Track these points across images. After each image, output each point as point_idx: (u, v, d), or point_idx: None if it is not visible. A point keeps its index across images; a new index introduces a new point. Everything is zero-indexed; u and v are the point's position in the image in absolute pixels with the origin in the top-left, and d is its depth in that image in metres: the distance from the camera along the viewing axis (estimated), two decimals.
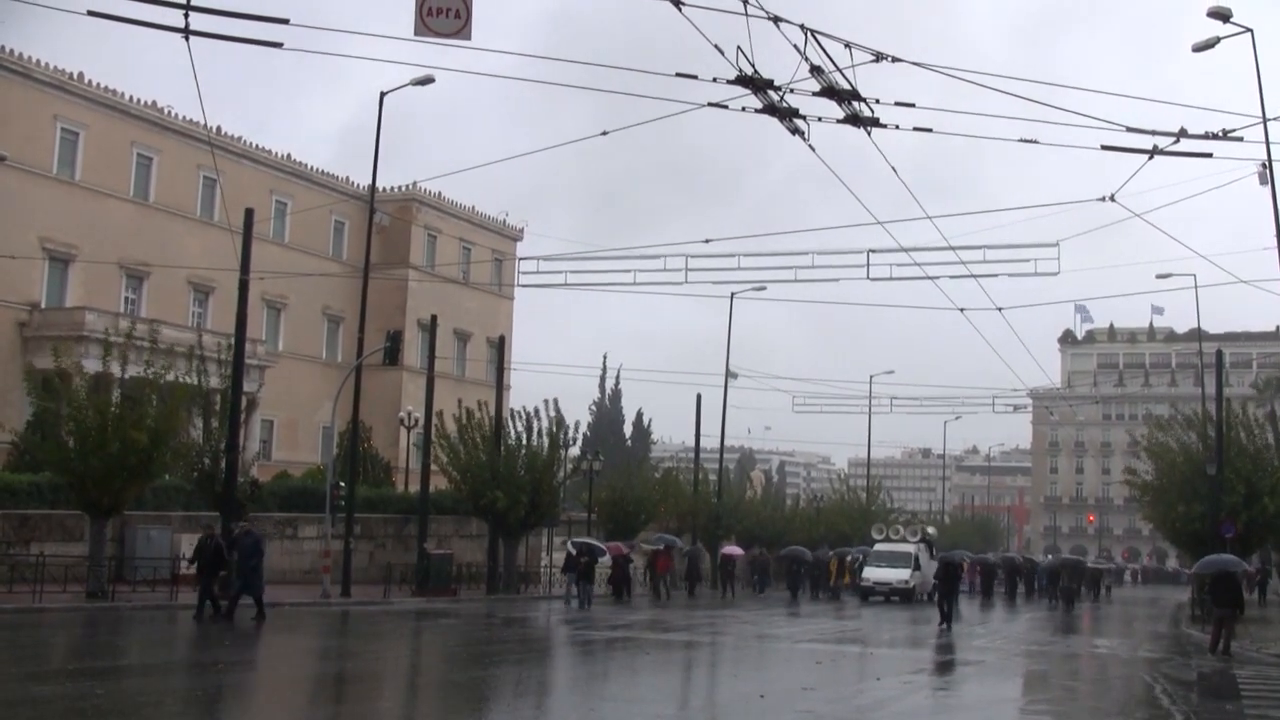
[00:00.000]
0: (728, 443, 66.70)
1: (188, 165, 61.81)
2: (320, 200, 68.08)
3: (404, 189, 73.75)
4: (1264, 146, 27.27)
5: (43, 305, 55.68)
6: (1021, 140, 20.18)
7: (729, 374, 60.98)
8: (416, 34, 15.56)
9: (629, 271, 34.81)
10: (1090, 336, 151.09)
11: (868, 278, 32.28)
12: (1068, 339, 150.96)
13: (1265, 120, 25.96)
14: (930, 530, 65.56)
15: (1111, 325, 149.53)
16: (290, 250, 67.09)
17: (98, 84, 58.23)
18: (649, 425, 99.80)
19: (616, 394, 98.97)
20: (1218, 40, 30.27)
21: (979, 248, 31.17)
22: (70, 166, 57.31)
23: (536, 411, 45.96)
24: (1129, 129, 18.92)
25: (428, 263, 75.44)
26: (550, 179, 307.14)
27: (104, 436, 30.28)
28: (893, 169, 22.80)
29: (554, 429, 45.60)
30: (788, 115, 17.09)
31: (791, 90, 16.67)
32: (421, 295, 72.57)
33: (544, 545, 50.83)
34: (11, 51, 53.77)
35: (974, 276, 31.15)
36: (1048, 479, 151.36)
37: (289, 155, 69.48)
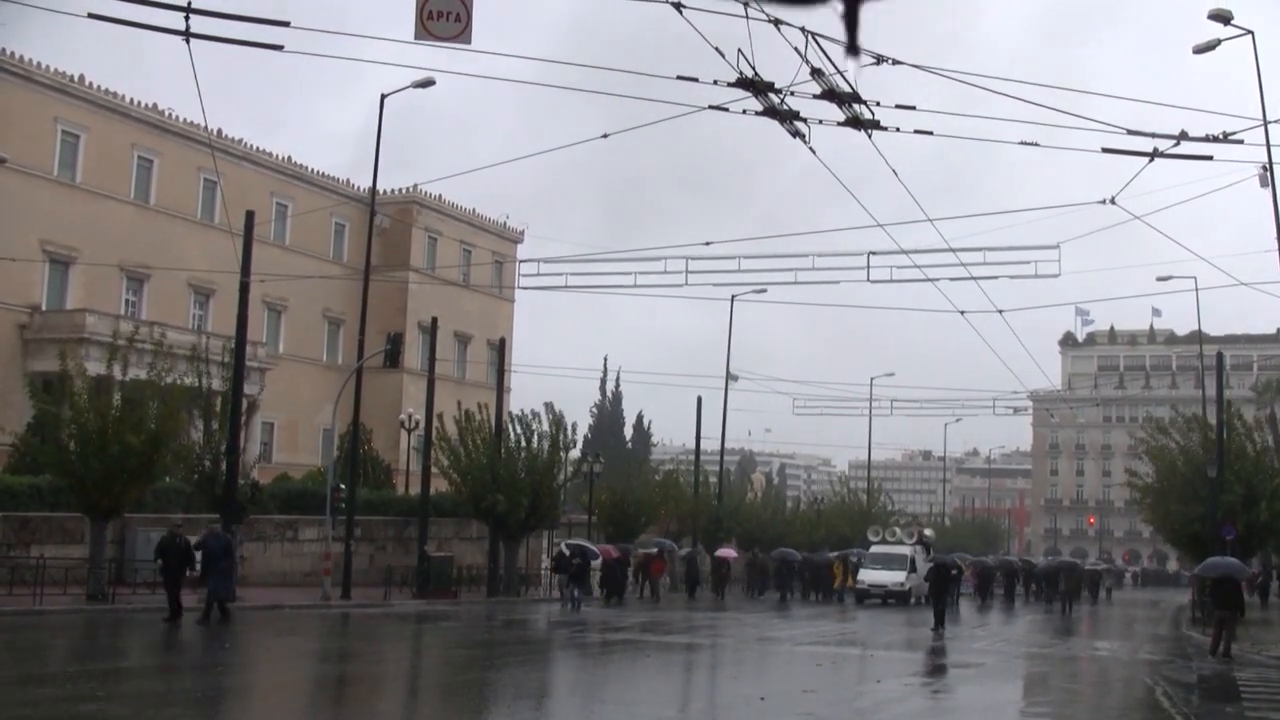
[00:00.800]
0: (728, 445, 66.69)
1: (188, 167, 61.81)
2: (321, 202, 68.09)
3: (404, 191, 73.74)
4: (1265, 149, 27.30)
5: (43, 307, 55.66)
6: (1022, 143, 20.20)
7: (729, 376, 61.02)
8: (417, 38, 15.58)
9: (629, 274, 34.81)
10: (1091, 339, 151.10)
11: (868, 280, 32.30)
12: (1068, 341, 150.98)
13: (1266, 122, 26.00)
14: (928, 532, 65.27)
15: (1112, 327, 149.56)
16: (291, 252, 67.08)
17: (98, 86, 58.24)
18: (649, 427, 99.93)
19: (617, 396, 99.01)
20: (1218, 42, 30.30)
21: (979, 250, 31.16)
22: (71, 169, 57.31)
23: (536, 414, 45.99)
24: (1130, 132, 18.95)
25: (428, 265, 75.43)
26: (562, 182, 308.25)
27: (104, 439, 30.30)
28: (893, 171, 22.82)
29: (554, 431, 45.58)
30: (788, 118, 17.11)
31: (792, 93, 16.70)
32: (422, 297, 72.55)
33: (544, 548, 50.80)
34: (12, 54, 53.76)
35: (974, 279, 31.16)
36: (1048, 481, 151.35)
37: (289, 157, 69.50)
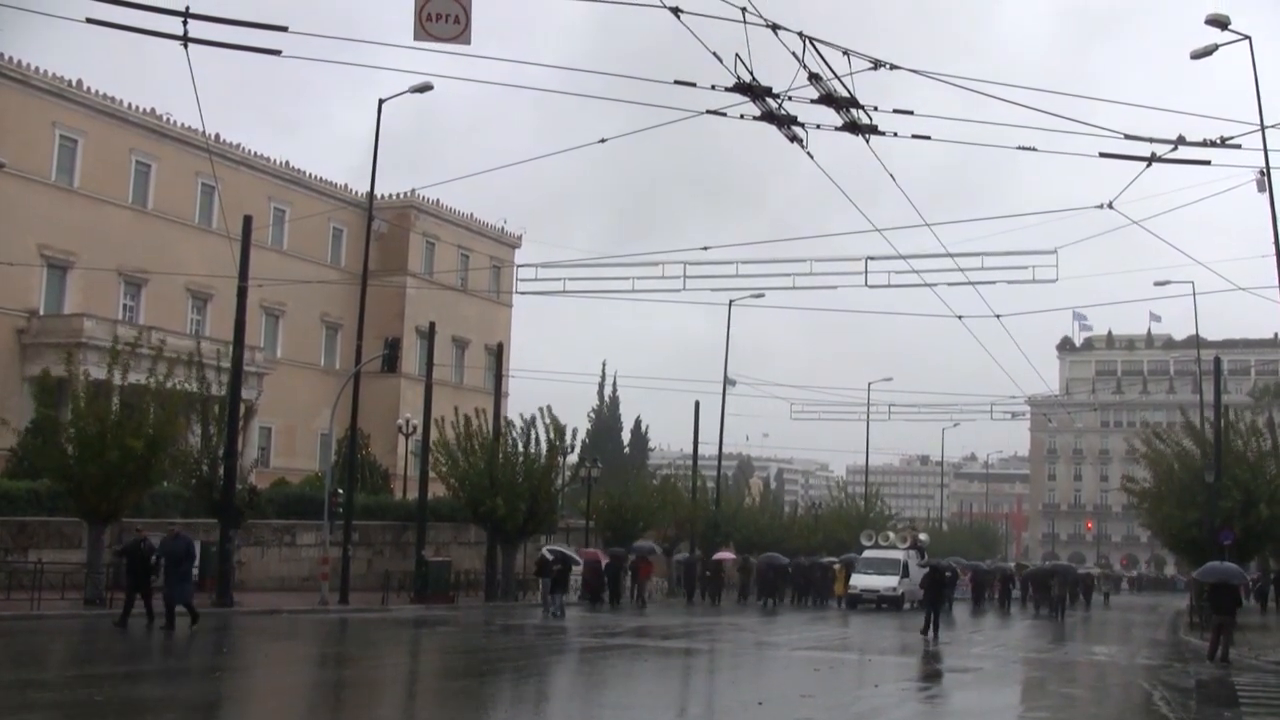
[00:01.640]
0: (726, 450, 66.71)
1: (186, 172, 61.86)
2: (318, 207, 68.14)
3: (402, 196, 73.77)
4: (1262, 153, 27.34)
5: (41, 312, 55.68)
6: (1020, 147, 20.22)
7: (727, 381, 61.03)
8: (416, 39, 15.57)
9: (627, 279, 34.79)
10: (1088, 344, 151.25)
11: (866, 285, 32.30)
12: (1066, 346, 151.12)
13: (1263, 127, 26.04)
14: (922, 537, 64.91)
15: (1110, 332, 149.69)
16: (289, 257, 67.15)
17: (96, 91, 58.27)
18: (647, 432, 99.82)
19: (615, 401, 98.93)
20: (1216, 47, 30.33)
21: (977, 254, 31.16)
22: (69, 173, 57.34)
23: (534, 419, 45.96)
24: (1127, 136, 18.97)
25: (426, 270, 75.45)
26: (574, 188, 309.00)
27: (103, 443, 30.29)
28: (891, 176, 22.85)
29: (552, 436, 45.57)
30: (786, 123, 17.12)
31: (790, 98, 16.71)
32: (420, 302, 72.57)
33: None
34: (10, 59, 53.80)
35: (972, 284, 31.16)
36: (1046, 486, 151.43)
37: (287, 162, 69.52)
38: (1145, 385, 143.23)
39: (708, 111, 18.07)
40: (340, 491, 38.66)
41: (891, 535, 59.54)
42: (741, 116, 17.25)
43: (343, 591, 36.35)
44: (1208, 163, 19.80)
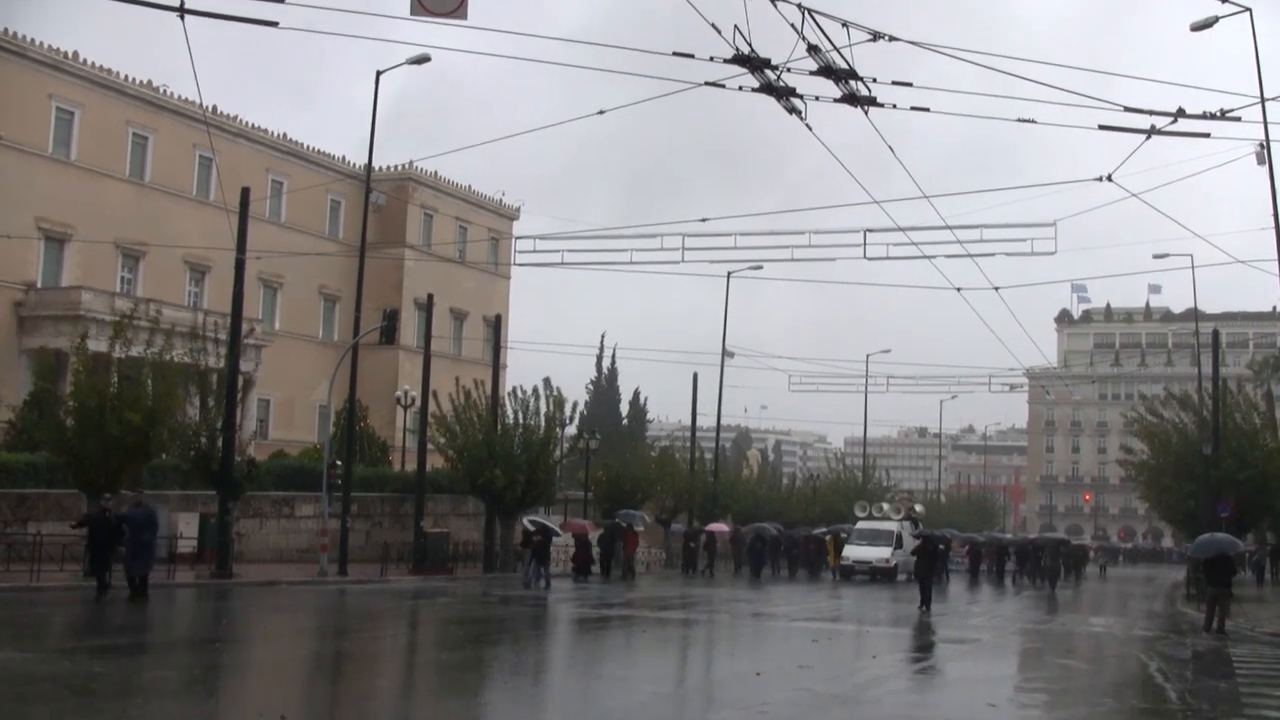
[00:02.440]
0: (724, 422, 66.78)
1: (184, 145, 61.71)
2: (316, 179, 67.99)
3: (400, 168, 73.64)
4: (1262, 126, 27.27)
5: (39, 285, 55.62)
6: (1019, 120, 20.18)
7: (726, 353, 61.03)
8: (413, 13, 15.53)
9: (625, 251, 34.79)
10: (1087, 316, 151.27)
11: (864, 257, 32.30)
12: (1064, 319, 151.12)
13: (1263, 100, 25.97)
14: (918, 508, 64.72)
15: (1108, 305, 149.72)
16: (286, 229, 67.06)
17: (93, 63, 58.05)
18: (646, 404, 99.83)
19: (613, 373, 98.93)
20: (1216, 20, 30.22)
21: (976, 227, 31.19)
22: (66, 146, 57.19)
23: (535, 390, 46.00)
24: (1127, 109, 18.93)
25: (424, 242, 75.38)
26: (589, 160, 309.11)
27: (102, 416, 30.30)
28: (889, 148, 22.80)
29: (551, 408, 45.60)
30: (784, 94, 17.09)
31: (789, 69, 16.67)
32: (418, 274, 72.52)
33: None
34: (6, 30, 53.59)
35: (970, 256, 31.17)
36: (1044, 458, 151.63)
37: (285, 134, 69.37)
38: (1143, 358, 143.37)
39: (706, 83, 18.04)
40: (339, 463, 38.71)
41: (885, 506, 59.29)
42: (740, 88, 17.22)
43: (341, 563, 36.45)
44: (1207, 135, 19.77)
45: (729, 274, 56.45)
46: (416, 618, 28.13)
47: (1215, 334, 46.82)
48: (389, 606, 29.83)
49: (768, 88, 16.90)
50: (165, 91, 61.24)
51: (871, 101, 17.40)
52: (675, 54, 16.83)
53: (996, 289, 35.04)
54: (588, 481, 53.81)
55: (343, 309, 69.25)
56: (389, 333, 41.45)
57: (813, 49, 16.05)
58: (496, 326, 54.28)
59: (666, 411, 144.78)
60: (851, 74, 16.71)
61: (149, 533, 26.60)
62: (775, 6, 15.55)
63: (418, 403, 46.44)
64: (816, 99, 17.35)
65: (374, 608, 29.36)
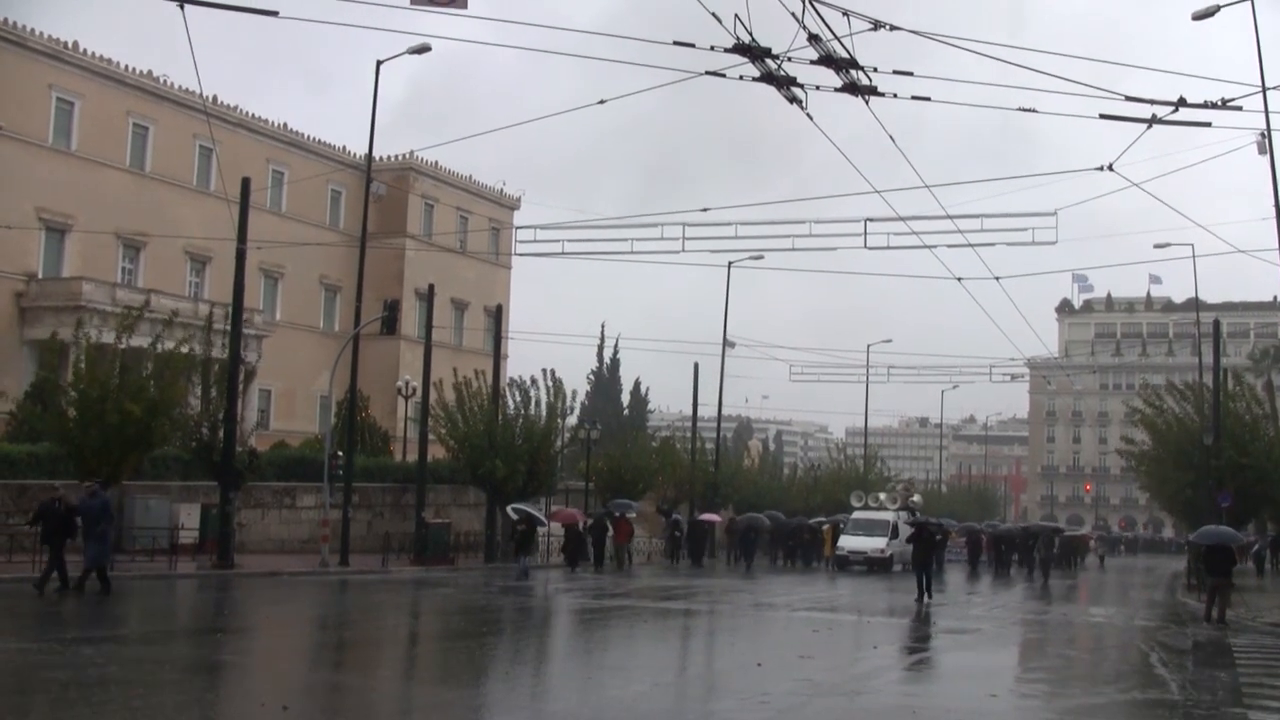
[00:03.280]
0: (725, 412, 66.72)
1: (184, 135, 61.66)
2: (317, 169, 67.91)
3: (401, 158, 73.59)
4: (1263, 115, 27.24)
5: (40, 275, 55.58)
6: (1020, 109, 20.15)
7: (726, 343, 60.99)
8: (413, 3, 15.50)
9: (626, 241, 34.77)
10: (1088, 306, 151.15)
11: (865, 246, 32.29)
12: (1065, 308, 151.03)
13: (1264, 89, 25.93)
14: (915, 498, 64.25)
15: (1109, 295, 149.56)
16: (287, 220, 67.00)
17: (93, 53, 57.98)
18: (647, 394, 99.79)
19: (614, 363, 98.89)
20: (1218, 8, 30.15)
21: (977, 216, 31.15)
22: (66, 136, 57.12)
23: (535, 381, 45.98)
24: (1128, 98, 18.89)
25: (425, 232, 75.32)
26: (603, 150, 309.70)
27: (104, 407, 30.30)
28: (890, 138, 22.78)
29: (552, 398, 45.56)
30: (784, 83, 17.06)
31: (789, 59, 16.64)
32: (419, 264, 72.49)
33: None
34: (6, 21, 53.51)
35: (971, 245, 31.14)
36: (1045, 448, 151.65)
37: (285, 124, 69.26)
38: (1144, 348, 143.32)
39: (707, 72, 18.02)
40: (340, 454, 38.72)
41: (882, 496, 58.83)
42: (741, 78, 17.19)
43: (343, 553, 36.48)
44: (1209, 124, 19.73)
45: (729, 264, 56.40)
46: (418, 608, 28.16)
47: (1216, 324, 46.77)
48: (390, 597, 29.86)
49: (768, 77, 16.87)
50: (165, 82, 61.17)
51: (872, 91, 17.37)
52: (676, 43, 16.81)
53: (998, 278, 35.04)
54: (589, 471, 53.80)
55: (344, 299, 69.22)
56: (390, 323, 41.44)
57: (813, 38, 16.02)
58: (497, 317, 54.25)
59: (668, 401, 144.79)
60: (852, 63, 16.67)
61: (104, 523, 25.58)
62: None
63: (419, 393, 46.43)
64: (817, 88, 17.32)
65: (375, 598, 29.39)
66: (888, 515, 53.27)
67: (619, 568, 44.88)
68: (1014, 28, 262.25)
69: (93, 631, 20.05)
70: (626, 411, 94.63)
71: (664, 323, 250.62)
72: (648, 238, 34.12)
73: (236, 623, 23.12)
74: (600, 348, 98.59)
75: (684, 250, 33.64)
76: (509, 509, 41.04)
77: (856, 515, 54.48)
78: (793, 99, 17.56)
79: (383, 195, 70.39)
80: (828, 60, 16.45)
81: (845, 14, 15.98)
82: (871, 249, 32.48)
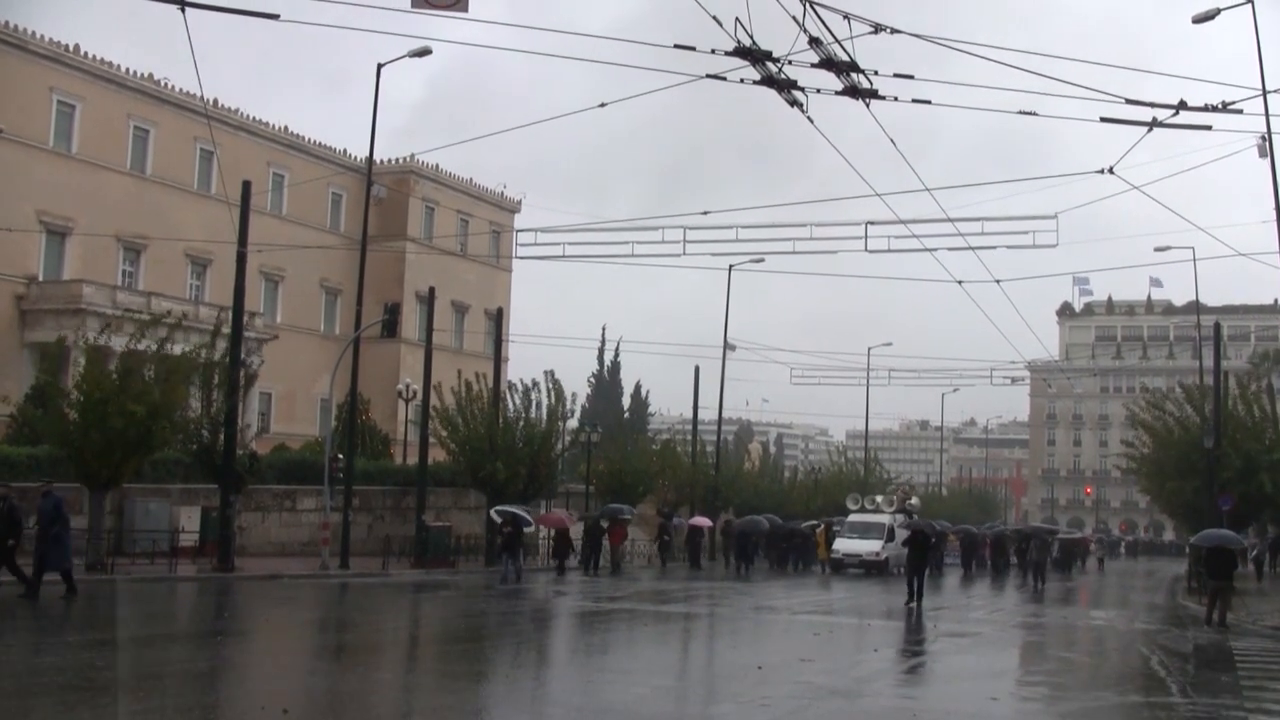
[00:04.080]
0: (726, 415, 66.75)
1: (185, 138, 61.70)
2: (317, 172, 67.96)
3: (401, 161, 73.62)
4: (1264, 119, 27.25)
5: (40, 278, 55.61)
6: (1021, 112, 20.15)
7: (727, 346, 61.01)
8: (414, 6, 15.50)
9: (627, 244, 34.76)
10: (1088, 309, 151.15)
11: (866, 250, 32.28)
12: (1065, 311, 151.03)
13: (1265, 92, 25.96)
14: (913, 501, 63.80)
15: (1110, 298, 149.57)
16: (288, 222, 67.06)
17: (94, 56, 58.02)
18: (647, 397, 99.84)
19: (615, 366, 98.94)
20: (1218, 12, 30.17)
21: (977, 220, 31.16)
22: (67, 139, 57.16)
23: (535, 384, 45.94)
24: (1129, 101, 18.90)
25: (425, 235, 75.35)
26: (620, 152, 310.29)
27: (104, 410, 30.28)
28: (891, 141, 22.78)
29: (553, 401, 45.53)
30: (785, 87, 17.06)
31: (790, 62, 16.64)
32: (419, 267, 72.52)
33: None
34: (7, 23, 53.54)
35: (972, 249, 31.14)
36: (1045, 451, 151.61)
37: (286, 127, 69.30)
38: (1145, 351, 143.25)
39: (707, 75, 18.02)
40: (340, 457, 38.70)
41: (879, 499, 58.26)
42: (742, 81, 17.20)
43: (343, 556, 36.46)
44: (1209, 128, 19.74)
45: (730, 267, 56.44)
46: (418, 611, 28.14)
47: (1217, 327, 46.75)
48: (391, 600, 29.85)
49: (769, 80, 16.88)
50: (166, 84, 61.22)
51: (873, 94, 17.37)
52: (676, 46, 16.81)
53: (998, 282, 35.04)
54: (589, 474, 53.77)
55: (344, 302, 69.23)
56: (390, 326, 41.44)
57: (814, 41, 16.02)
58: (498, 319, 54.27)
59: (668, 404, 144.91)
60: (853, 66, 16.68)
61: (58, 524, 24.63)
62: None
63: (419, 396, 46.42)
64: (818, 91, 17.33)
65: (376, 601, 29.38)
66: (884, 518, 52.64)
67: (613, 572, 44.37)
68: (1015, 31, 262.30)
69: (92, 634, 20.04)
70: (627, 414, 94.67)
71: (665, 325, 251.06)
72: (648, 240, 34.15)
73: (237, 626, 23.10)
74: (601, 350, 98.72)
75: (684, 253, 33.65)
76: (492, 511, 40.21)
77: (852, 518, 53.93)
78: (793, 102, 17.57)
79: (383, 198, 70.43)
80: (828, 63, 16.46)
81: (846, 17, 15.98)
82: (872, 252, 32.51)
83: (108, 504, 32.25)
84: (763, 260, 45.32)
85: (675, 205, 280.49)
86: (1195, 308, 61.85)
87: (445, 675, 17.12)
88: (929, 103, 18.87)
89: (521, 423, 44.80)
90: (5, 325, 53.62)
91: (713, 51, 16.39)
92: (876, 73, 17.06)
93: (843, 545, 50.90)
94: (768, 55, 16.47)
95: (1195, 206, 31.63)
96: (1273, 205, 29.68)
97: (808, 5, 15.59)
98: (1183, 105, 19.18)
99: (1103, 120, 19.56)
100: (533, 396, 45.37)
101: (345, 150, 73.46)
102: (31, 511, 25.86)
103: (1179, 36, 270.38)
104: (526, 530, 39.11)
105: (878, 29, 16.34)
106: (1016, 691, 17.28)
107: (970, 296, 38.51)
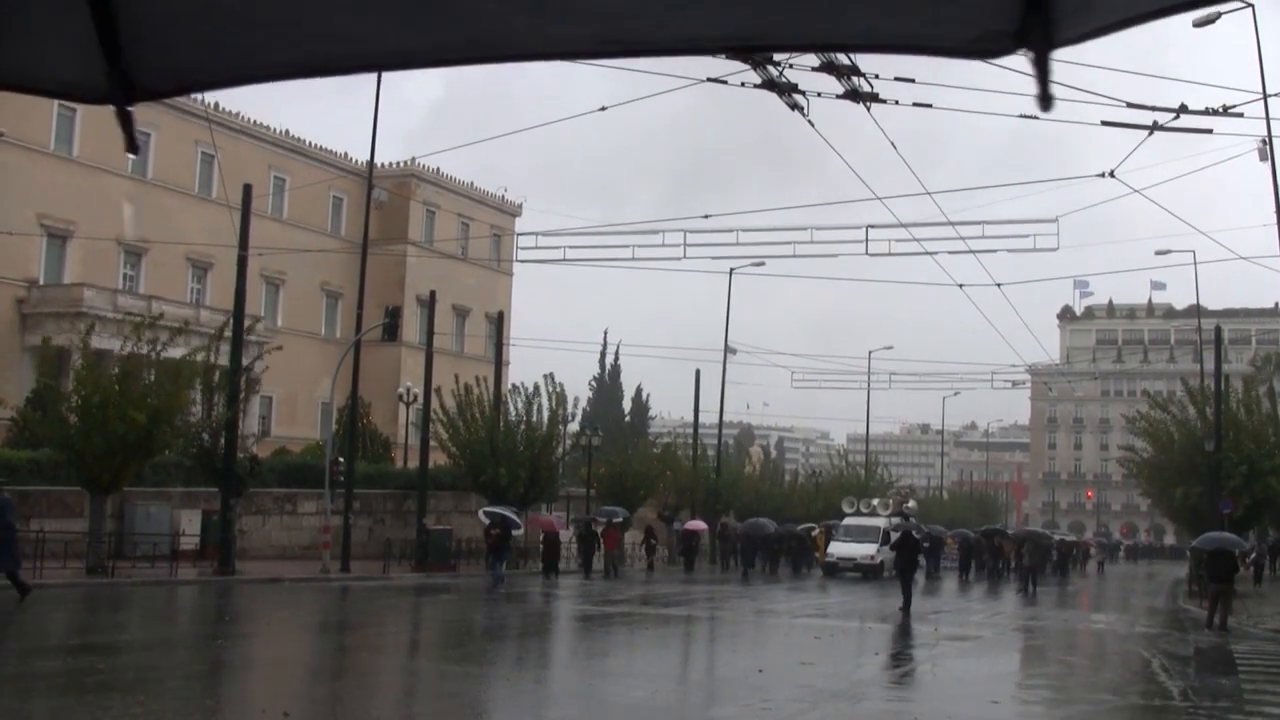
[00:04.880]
0: (727, 418, 66.80)
1: (186, 141, 61.68)
2: (318, 176, 67.98)
3: (402, 165, 73.61)
4: (1264, 122, 27.26)
5: (41, 282, 55.62)
6: (1021, 116, 20.14)
7: (728, 350, 61.03)
8: None
9: (628, 247, 34.76)
10: (1089, 312, 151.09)
11: (866, 253, 32.26)
12: (1066, 315, 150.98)
13: (1265, 96, 25.97)
14: (910, 504, 63.39)
15: (1110, 301, 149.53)
16: (289, 226, 67.06)
17: None
18: (648, 401, 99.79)
19: (616, 370, 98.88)
20: (1218, 15, 30.14)
21: (978, 223, 31.15)
22: (68, 143, 57.17)
23: (536, 388, 45.94)
24: (1129, 105, 18.90)
25: (426, 238, 75.36)
26: (634, 156, 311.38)
27: (105, 414, 30.29)
28: (892, 144, 22.77)
29: (554, 405, 45.52)
30: (786, 90, 17.06)
31: (790, 65, 16.64)
32: (420, 271, 72.51)
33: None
34: None
35: (973, 252, 31.13)
36: (1046, 455, 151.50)
37: (287, 131, 69.35)
38: (1146, 354, 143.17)
39: (708, 79, 18.03)
40: (341, 460, 38.69)
41: (874, 502, 57.84)
42: (742, 84, 17.21)
43: (344, 560, 36.44)
44: (1210, 131, 19.74)
45: (731, 270, 56.47)
46: (419, 614, 28.16)
47: (1218, 330, 46.73)
48: (391, 603, 29.85)
49: (769, 84, 16.87)
50: None
51: (874, 98, 17.36)
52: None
53: (999, 285, 34.98)
54: (590, 478, 53.74)
55: (345, 306, 69.22)
56: (391, 329, 41.47)
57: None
58: (499, 323, 54.30)
59: (669, 408, 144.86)
60: (854, 70, 16.67)
61: (3, 528, 23.52)
62: None
63: (420, 399, 46.43)
64: (819, 95, 17.32)
65: (376, 604, 29.39)
66: (879, 521, 52.17)
67: (607, 576, 43.80)
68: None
69: (93, 638, 20.04)
70: (628, 418, 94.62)
71: (666, 329, 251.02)
72: (650, 244, 34.14)
73: (237, 629, 23.10)
74: (602, 354, 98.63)
75: (685, 257, 33.64)
76: (480, 512, 39.74)
77: (848, 521, 53.55)
78: (794, 106, 17.57)
79: (384, 202, 70.44)
80: (829, 67, 16.46)
81: None
82: (873, 255, 32.50)
83: (108, 507, 32.24)
84: (763, 264, 45.37)
85: (690, 208, 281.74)
86: (1196, 311, 61.84)
87: (445, 678, 17.11)
88: (929, 106, 18.90)
89: (523, 426, 44.78)
90: (6, 328, 53.63)
91: (713, 55, 16.39)
92: (878, 76, 17.06)
93: (837, 549, 50.68)
94: (768, 58, 16.47)
95: (1196, 210, 31.62)
96: (1273, 209, 29.69)
97: None
98: (1183, 109, 19.18)
99: (1103, 124, 19.57)
100: (534, 400, 45.34)
101: (346, 154, 73.53)
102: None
103: (1179, 40, 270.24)
104: (515, 533, 38.65)
105: None
106: (1018, 695, 17.27)
107: (971, 300, 38.65)
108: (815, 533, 55.11)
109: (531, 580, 39.82)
